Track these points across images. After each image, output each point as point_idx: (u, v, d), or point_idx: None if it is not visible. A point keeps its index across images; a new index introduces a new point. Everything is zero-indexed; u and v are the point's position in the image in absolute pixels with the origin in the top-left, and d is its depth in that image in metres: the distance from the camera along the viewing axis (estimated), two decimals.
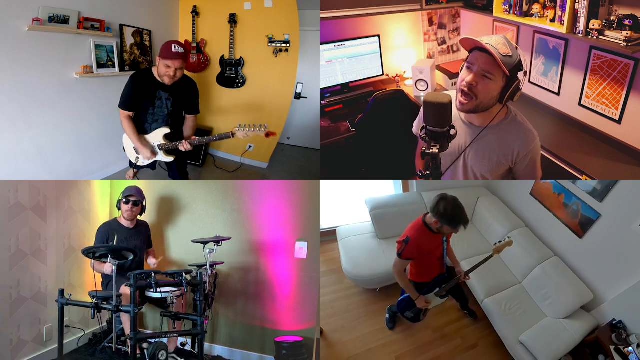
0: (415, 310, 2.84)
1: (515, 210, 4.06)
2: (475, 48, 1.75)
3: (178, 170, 3.31)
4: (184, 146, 2.94)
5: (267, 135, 2.81)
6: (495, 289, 3.39)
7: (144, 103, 2.97)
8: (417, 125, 2.28)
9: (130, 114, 3.03)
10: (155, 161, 3.24)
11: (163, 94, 2.95)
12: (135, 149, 3.14)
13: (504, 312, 3.19)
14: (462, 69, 1.82)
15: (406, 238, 2.46)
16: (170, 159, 3.12)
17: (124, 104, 2.97)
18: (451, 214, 2.27)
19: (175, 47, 2.70)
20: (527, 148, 1.90)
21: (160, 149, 3.09)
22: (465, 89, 1.76)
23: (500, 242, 2.65)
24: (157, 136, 3.07)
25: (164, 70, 2.78)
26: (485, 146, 1.93)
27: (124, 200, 3.00)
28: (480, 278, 3.47)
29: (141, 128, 3.08)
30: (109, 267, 2.68)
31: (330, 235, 4.47)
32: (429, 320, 3.51)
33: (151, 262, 3.13)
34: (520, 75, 1.75)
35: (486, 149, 1.94)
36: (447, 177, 2.08)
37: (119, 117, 3.19)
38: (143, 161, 3.14)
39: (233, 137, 2.83)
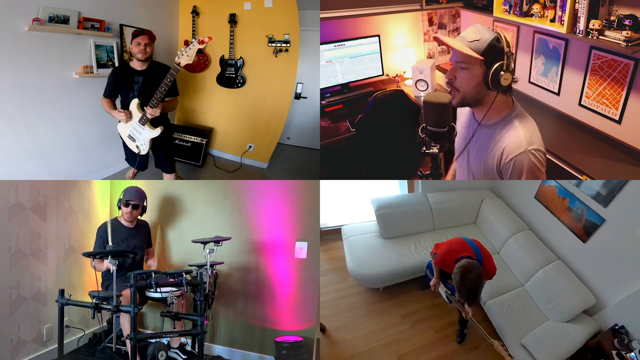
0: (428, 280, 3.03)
1: (519, 213, 4.05)
2: None
3: (166, 157, 3.44)
4: (148, 111, 3.08)
5: (201, 42, 2.94)
6: (498, 291, 3.39)
7: (124, 90, 3.22)
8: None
9: (110, 100, 3.29)
10: (147, 160, 3.42)
11: (139, 78, 3.19)
12: (130, 137, 3.28)
13: (506, 314, 3.18)
14: None
15: (435, 254, 2.68)
16: (157, 130, 3.16)
17: (105, 91, 3.26)
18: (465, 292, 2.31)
19: (140, 29, 3.16)
20: (513, 154, 1.69)
21: (142, 124, 3.17)
22: (448, 87, 1.74)
23: (507, 351, 2.49)
24: (133, 112, 3.16)
25: (136, 49, 3.11)
26: (482, 145, 1.85)
27: (124, 203, 3.00)
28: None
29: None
30: (107, 263, 2.68)
31: (334, 233, 4.48)
32: (431, 320, 3.53)
33: (150, 262, 3.15)
34: (508, 57, 1.66)
35: (482, 145, 1.85)
36: (457, 171, 2.05)
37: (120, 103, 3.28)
38: (142, 147, 3.25)
39: (180, 66, 2.91)
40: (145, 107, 3.08)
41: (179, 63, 2.90)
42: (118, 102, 3.33)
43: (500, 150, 1.74)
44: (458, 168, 2.07)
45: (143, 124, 3.15)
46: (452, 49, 1.69)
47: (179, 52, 2.90)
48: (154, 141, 3.25)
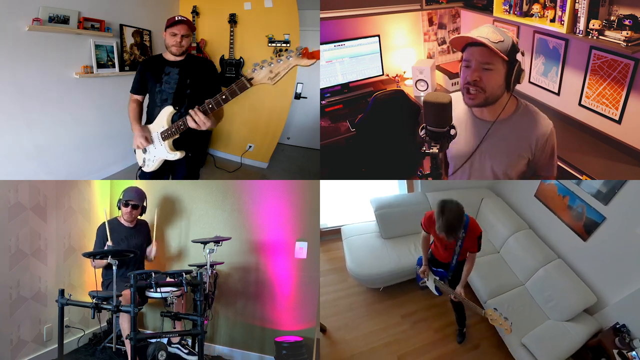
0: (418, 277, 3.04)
1: (519, 212, 4.05)
2: (468, 44, 1.75)
3: (187, 177, 2.89)
4: (195, 117, 2.23)
5: (304, 55, 1.97)
6: (498, 291, 3.39)
7: (151, 83, 2.71)
8: None
9: (139, 98, 2.84)
10: (168, 173, 2.86)
11: (171, 69, 2.66)
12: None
13: (507, 313, 3.14)
14: (461, 70, 1.81)
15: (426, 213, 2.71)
16: (176, 154, 2.53)
17: (132, 86, 2.84)
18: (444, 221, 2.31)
19: (178, 17, 2.62)
20: (545, 135, 1.87)
21: (164, 139, 2.53)
22: (471, 87, 1.74)
23: (502, 315, 2.42)
24: (160, 121, 2.55)
25: (171, 41, 2.60)
26: (501, 140, 1.90)
27: (124, 203, 3.00)
28: (484, 279, 3.47)
29: (151, 115, 2.72)
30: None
31: (334, 234, 4.48)
32: (431, 320, 3.53)
33: (149, 249, 3.13)
34: (518, 56, 1.74)
35: (503, 143, 1.91)
36: (460, 176, 2.06)
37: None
38: (148, 163, 2.72)
39: (251, 83, 2.04)
40: (190, 111, 2.25)
41: (251, 79, 2.02)
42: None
43: (534, 135, 1.87)
44: (461, 173, 2.06)
45: (164, 139, 2.52)
46: (472, 54, 1.72)
47: (259, 65, 2.01)
48: (175, 161, 2.62)
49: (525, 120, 1.87)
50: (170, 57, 2.69)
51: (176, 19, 2.59)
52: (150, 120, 2.72)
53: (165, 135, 2.52)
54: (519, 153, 1.91)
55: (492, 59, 1.70)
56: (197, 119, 2.24)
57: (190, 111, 2.24)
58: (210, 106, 2.21)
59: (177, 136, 2.51)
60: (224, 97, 2.16)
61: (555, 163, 2.04)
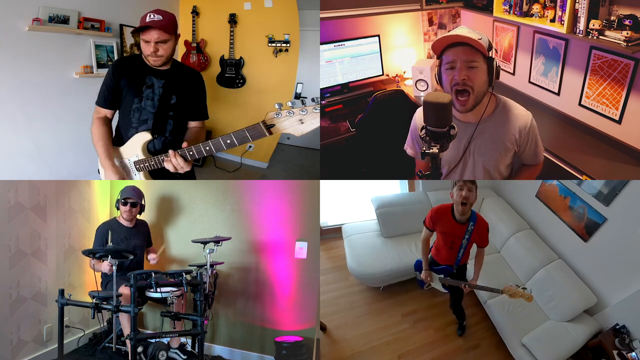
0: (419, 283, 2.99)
1: (520, 212, 4.05)
2: (447, 46, 1.78)
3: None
4: (173, 160, 1.93)
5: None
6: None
7: (127, 94, 2.16)
8: (410, 144, 2.30)
9: (107, 113, 2.27)
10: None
11: (155, 80, 2.16)
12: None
13: (507, 313, 3.18)
14: (441, 75, 1.83)
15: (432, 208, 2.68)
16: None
17: (100, 96, 2.21)
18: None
19: (150, 15, 2.02)
20: (527, 126, 1.93)
21: (138, 170, 2.18)
22: (460, 87, 1.76)
23: (519, 287, 2.53)
24: (133, 148, 2.16)
25: (145, 49, 2.08)
26: (488, 138, 1.95)
27: (122, 201, 3.00)
28: (484, 278, 3.43)
29: (124, 136, 2.25)
30: (107, 266, 2.68)
31: (335, 232, 4.48)
32: (431, 320, 3.52)
33: (151, 257, 3.13)
34: (492, 53, 1.79)
35: (489, 141, 1.95)
36: (452, 177, 2.10)
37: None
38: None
39: (270, 131, 1.82)
40: (170, 152, 1.93)
41: (271, 126, 1.74)
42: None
43: (517, 127, 1.92)
44: (453, 175, 2.08)
45: (139, 170, 2.18)
46: (455, 55, 1.75)
47: (280, 109, 1.68)
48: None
49: (506, 115, 1.93)
50: (153, 63, 2.19)
51: (147, 19, 2.00)
52: (120, 142, 2.26)
53: (140, 167, 2.19)
54: (505, 147, 1.96)
55: (476, 57, 1.74)
56: (174, 163, 1.95)
57: (170, 152, 1.95)
58: (191, 153, 1.92)
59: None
60: (228, 141, 1.86)
61: (541, 150, 2.07)
